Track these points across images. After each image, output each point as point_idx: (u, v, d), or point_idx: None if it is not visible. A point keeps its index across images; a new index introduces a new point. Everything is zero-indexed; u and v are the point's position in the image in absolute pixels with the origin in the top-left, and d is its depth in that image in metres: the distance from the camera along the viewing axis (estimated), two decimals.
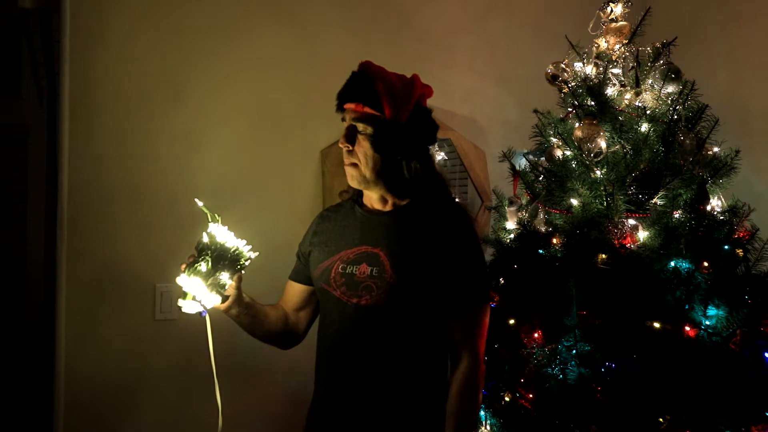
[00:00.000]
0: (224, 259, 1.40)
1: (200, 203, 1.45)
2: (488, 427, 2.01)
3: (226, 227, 1.45)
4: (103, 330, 2.10)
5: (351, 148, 1.48)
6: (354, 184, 1.53)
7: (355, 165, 1.50)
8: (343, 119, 1.52)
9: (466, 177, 2.73)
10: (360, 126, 1.48)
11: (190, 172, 2.23)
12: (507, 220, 2.21)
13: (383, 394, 1.45)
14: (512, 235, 2.16)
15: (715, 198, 1.99)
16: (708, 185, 1.94)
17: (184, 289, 1.39)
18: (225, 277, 1.40)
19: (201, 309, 1.40)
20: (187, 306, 1.40)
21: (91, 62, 2.09)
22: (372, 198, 1.56)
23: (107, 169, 2.11)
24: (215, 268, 1.39)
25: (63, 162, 2.09)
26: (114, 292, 2.12)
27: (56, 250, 2.22)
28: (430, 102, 1.61)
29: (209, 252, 1.39)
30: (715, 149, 2.05)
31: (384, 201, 1.55)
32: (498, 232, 2.23)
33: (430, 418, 1.48)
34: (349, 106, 1.49)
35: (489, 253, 2.15)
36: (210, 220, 1.43)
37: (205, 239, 1.41)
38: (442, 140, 2.62)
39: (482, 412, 2.04)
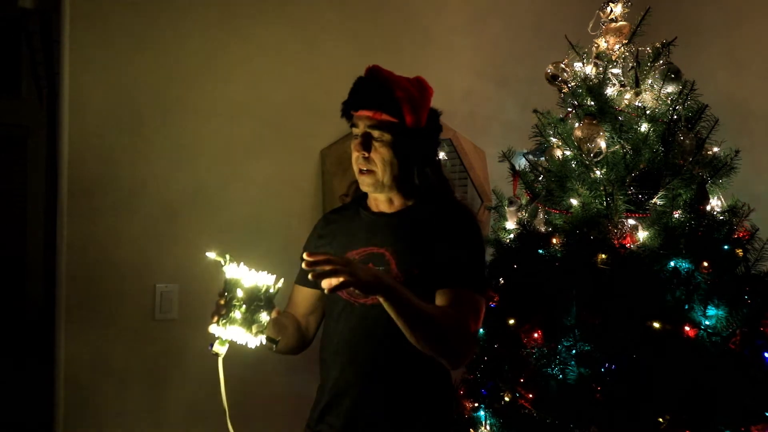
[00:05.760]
0: (257, 299, 1.35)
1: (211, 255, 1.36)
2: (488, 427, 2.01)
3: (242, 263, 1.37)
4: (103, 330, 2.10)
5: (368, 155, 1.47)
6: (369, 189, 1.52)
7: (370, 172, 1.48)
8: (353, 125, 1.50)
9: (466, 177, 2.73)
10: (376, 133, 1.46)
11: (189, 172, 2.23)
12: (507, 220, 2.21)
13: (392, 393, 1.46)
14: (512, 235, 2.16)
15: (715, 198, 1.99)
16: (708, 185, 1.94)
17: (218, 336, 1.34)
18: (263, 316, 1.36)
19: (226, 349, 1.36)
20: (222, 349, 1.35)
21: (91, 62, 2.09)
22: (379, 200, 1.56)
23: (107, 169, 2.11)
24: (251, 312, 1.34)
25: (63, 162, 2.09)
26: (114, 292, 2.12)
27: (56, 250, 2.22)
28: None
29: (240, 298, 1.34)
30: (715, 149, 2.05)
31: (390, 202, 1.55)
32: (498, 232, 2.23)
33: (437, 415, 1.49)
34: (364, 113, 1.46)
35: (489, 253, 2.15)
36: (224, 264, 1.36)
37: (239, 291, 1.34)
38: (442, 140, 2.61)
39: (482, 412, 2.05)
